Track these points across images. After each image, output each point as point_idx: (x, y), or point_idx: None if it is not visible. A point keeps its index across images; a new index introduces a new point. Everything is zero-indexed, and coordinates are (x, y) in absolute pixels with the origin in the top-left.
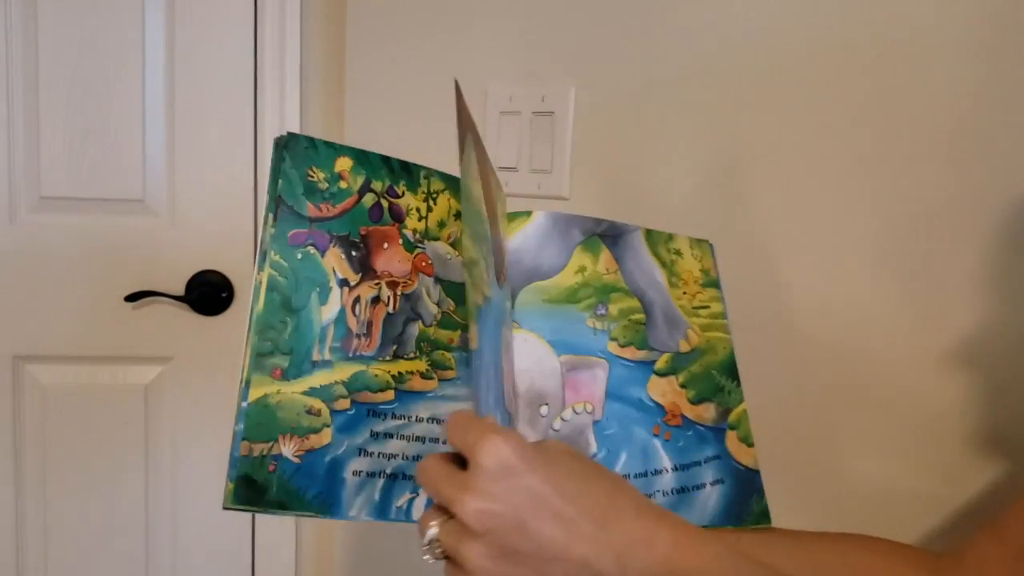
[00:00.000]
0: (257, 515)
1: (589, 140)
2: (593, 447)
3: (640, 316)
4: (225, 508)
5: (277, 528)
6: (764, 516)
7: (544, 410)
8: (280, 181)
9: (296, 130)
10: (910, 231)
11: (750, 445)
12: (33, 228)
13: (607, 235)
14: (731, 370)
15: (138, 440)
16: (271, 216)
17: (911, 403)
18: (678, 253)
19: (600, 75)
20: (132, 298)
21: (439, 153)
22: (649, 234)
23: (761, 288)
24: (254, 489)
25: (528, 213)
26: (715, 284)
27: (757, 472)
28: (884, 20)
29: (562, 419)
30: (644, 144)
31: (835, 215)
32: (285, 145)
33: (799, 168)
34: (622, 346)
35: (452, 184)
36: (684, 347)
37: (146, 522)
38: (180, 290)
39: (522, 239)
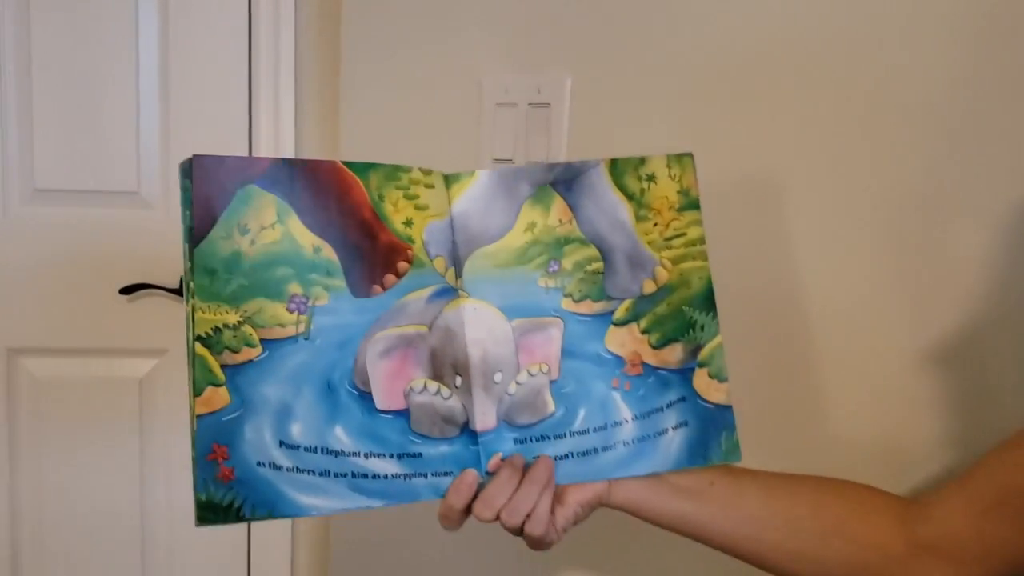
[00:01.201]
0: None
1: (585, 131)
2: (551, 406)
3: (598, 265)
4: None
5: (273, 520)
6: (733, 453)
7: (498, 377)
8: (188, 212)
9: (291, 118)
10: (903, 219)
11: (722, 380)
12: (27, 220)
13: (561, 180)
14: (707, 302)
15: (133, 433)
16: (188, 248)
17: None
18: (651, 178)
19: (596, 65)
20: (127, 291)
21: (435, 145)
22: (614, 165)
23: (759, 283)
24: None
25: (472, 174)
26: (694, 205)
27: (728, 408)
28: (880, 12)
29: (517, 383)
30: (641, 134)
31: (835, 207)
32: (189, 173)
33: (798, 159)
34: (577, 301)
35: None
36: (649, 288)
37: (141, 514)
38: (175, 282)
39: (467, 202)
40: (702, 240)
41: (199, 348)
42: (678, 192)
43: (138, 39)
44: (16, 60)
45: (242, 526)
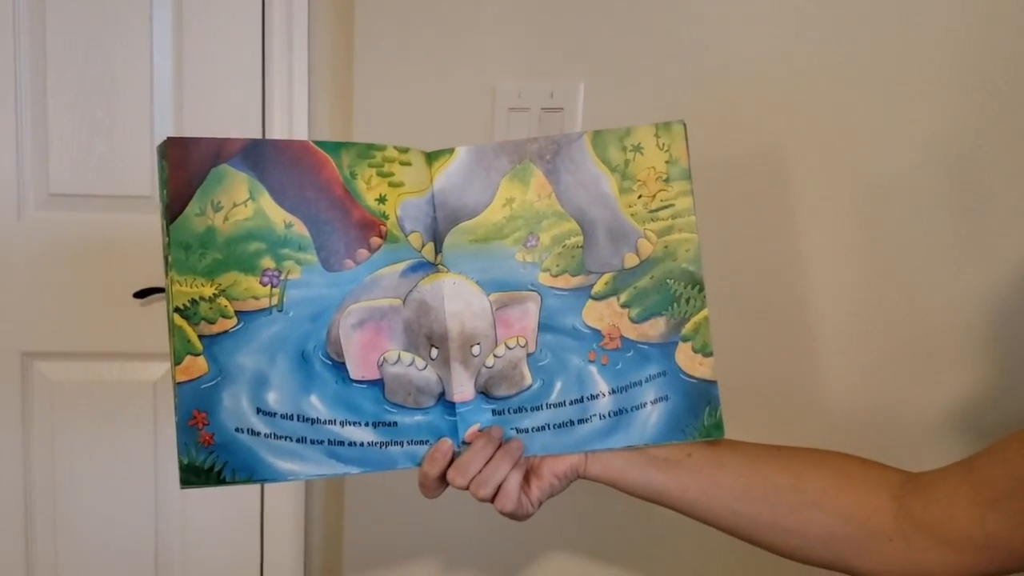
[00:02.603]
0: (265, 509)
1: None
2: (528, 379)
3: (577, 239)
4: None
5: (286, 520)
6: (716, 429)
7: (476, 350)
8: (164, 190)
9: (304, 122)
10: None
11: (707, 355)
12: (41, 225)
13: (542, 155)
14: (694, 275)
15: (146, 436)
16: (165, 224)
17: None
18: (637, 149)
19: (609, 71)
20: (140, 294)
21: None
22: (597, 137)
23: (761, 284)
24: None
25: (451, 151)
26: (684, 175)
27: (712, 383)
28: (889, 25)
29: (495, 356)
30: None
31: (840, 215)
32: (164, 154)
33: (807, 166)
34: (554, 276)
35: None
36: (631, 261)
37: (155, 517)
38: None
39: (446, 179)
40: (691, 211)
41: (177, 319)
42: (666, 162)
43: (152, 44)
44: (31, 65)
45: (254, 528)
